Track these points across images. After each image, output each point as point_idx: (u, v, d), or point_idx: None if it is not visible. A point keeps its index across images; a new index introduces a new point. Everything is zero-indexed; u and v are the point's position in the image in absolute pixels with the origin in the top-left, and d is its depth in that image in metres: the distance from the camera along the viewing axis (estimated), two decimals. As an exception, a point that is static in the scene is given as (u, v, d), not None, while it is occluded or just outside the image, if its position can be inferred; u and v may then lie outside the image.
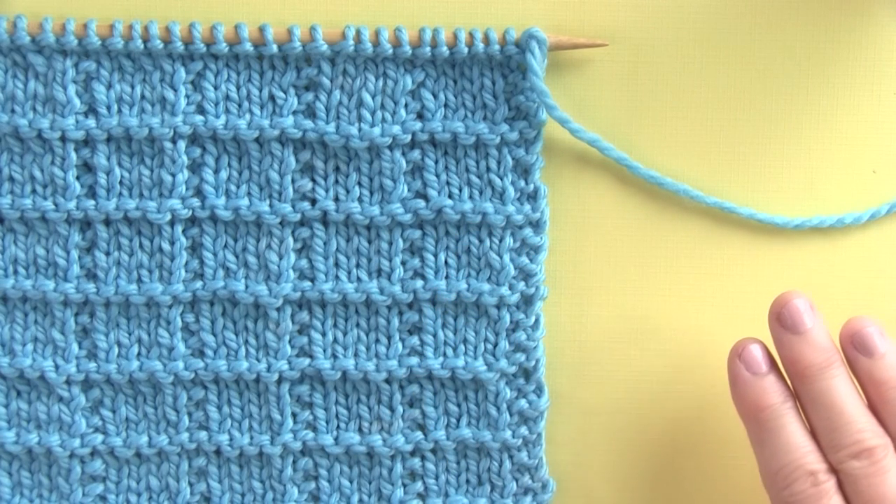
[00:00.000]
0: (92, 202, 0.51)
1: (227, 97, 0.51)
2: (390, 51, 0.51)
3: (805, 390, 0.48)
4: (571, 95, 0.53)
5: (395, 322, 0.52)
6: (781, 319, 0.48)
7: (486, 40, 0.51)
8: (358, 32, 0.51)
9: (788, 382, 0.49)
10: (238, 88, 0.51)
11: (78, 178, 0.51)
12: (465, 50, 0.51)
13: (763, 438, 0.48)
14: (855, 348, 0.48)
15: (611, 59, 0.53)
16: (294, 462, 0.53)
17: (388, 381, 0.53)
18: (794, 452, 0.47)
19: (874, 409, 0.48)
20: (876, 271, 0.54)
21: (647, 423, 0.54)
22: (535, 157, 0.52)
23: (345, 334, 0.52)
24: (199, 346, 0.52)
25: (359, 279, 0.52)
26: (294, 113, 0.51)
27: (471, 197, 0.52)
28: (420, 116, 0.52)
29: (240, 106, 0.51)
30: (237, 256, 0.52)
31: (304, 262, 0.52)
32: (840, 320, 0.54)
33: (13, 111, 0.51)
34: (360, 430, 0.53)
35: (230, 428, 0.53)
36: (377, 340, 0.53)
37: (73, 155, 0.51)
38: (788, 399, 0.49)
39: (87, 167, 0.51)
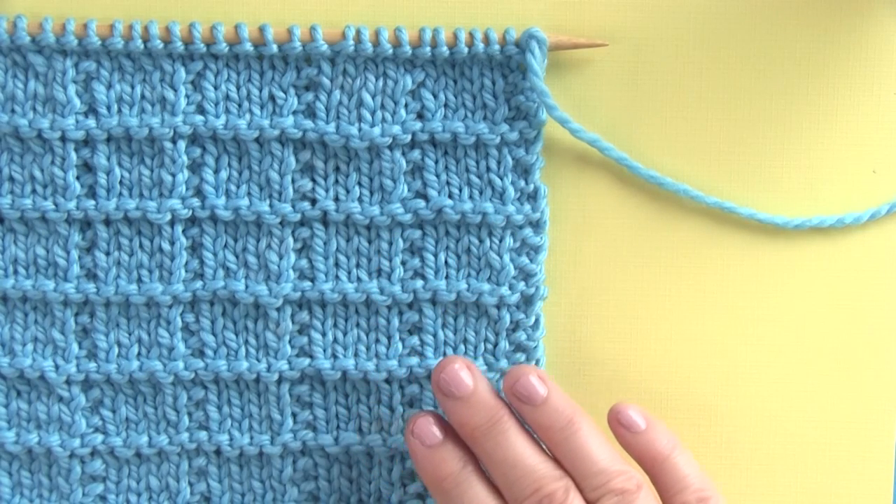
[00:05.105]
0: (92, 202, 0.51)
1: (227, 97, 0.51)
2: (390, 51, 0.51)
3: (479, 451, 0.49)
4: (571, 95, 0.53)
5: (395, 322, 0.52)
6: (442, 386, 0.49)
7: (486, 40, 0.51)
8: (358, 32, 0.51)
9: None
10: (238, 88, 0.51)
11: (78, 178, 0.51)
12: (465, 50, 0.51)
13: None
14: (518, 399, 0.49)
15: (611, 59, 0.53)
16: (294, 462, 0.53)
17: (388, 381, 0.53)
18: None
19: (552, 452, 0.49)
20: (876, 271, 0.54)
21: (647, 423, 0.54)
22: (535, 157, 0.52)
23: (345, 334, 0.52)
24: (199, 346, 0.52)
25: (359, 279, 0.52)
26: (294, 113, 0.51)
27: (471, 197, 0.52)
28: (420, 116, 0.52)
29: (240, 106, 0.51)
30: (237, 256, 0.52)
31: (304, 262, 0.52)
32: (840, 320, 0.54)
33: (13, 111, 0.51)
34: (359, 430, 0.53)
35: (230, 428, 0.53)
36: (377, 340, 0.53)
37: (73, 155, 0.51)
38: (468, 463, 0.49)
39: (87, 167, 0.51)
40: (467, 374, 0.49)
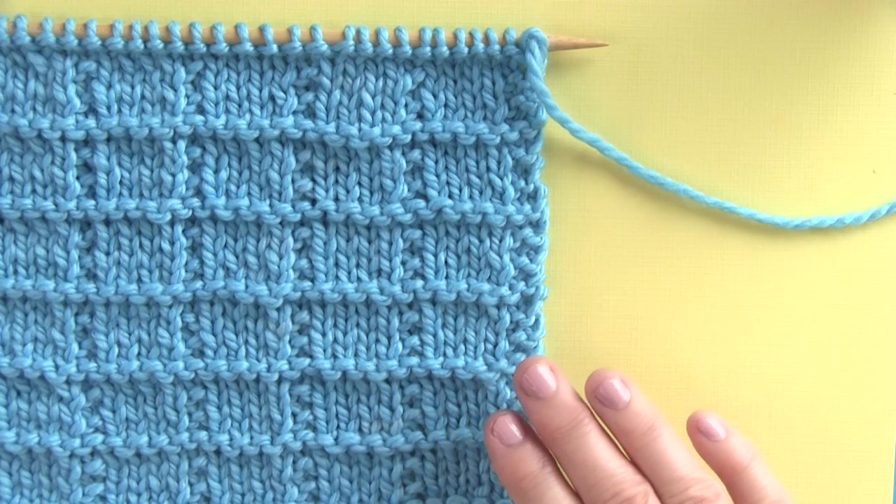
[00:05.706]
0: (92, 202, 0.51)
1: (227, 97, 0.51)
2: (390, 51, 0.51)
3: (559, 453, 0.49)
4: (571, 95, 0.53)
5: (395, 322, 0.52)
6: (525, 386, 0.49)
7: (486, 40, 0.51)
8: (358, 32, 0.51)
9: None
10: (238, 88, 0.51)
11: (78, 178, 0.51)
12: (465, 50, 0.51)
13: None
14: (600, 402, 0.49)
15: (611, 59, 0.53)
16: (294, 462, 0.53)
17: (388, 381, 0.53)
18: None
19: (631, 457, 0.49)
20: (876, 271, 0.54)
21: (647, 423, 0.54)
22: (535, 157, 0.52)
23: (345, 334, 0.52)
24: (199, 346, 0.52)
25: (359, 279, 0.52)
26: (294, 113, 0.52)
27: (471, 197, 0.52)
28: (420, 116, 0.52)
29: (240, 106, 0.51)
30: (237, 256, 0.52)
31: (304, 262, 0.52)
32: (840, 320, 0.54)
33: (13, 111, 0.51)
34: (359, 430, 0.53)
35: (230, 428, 0.53)
36: (377, 340, 0.53)
37: (73, 155, 0.51)
38: (547, 464, 0.49)
39: (87, 167, 0.51)
40: (550, 375, 0.49)
